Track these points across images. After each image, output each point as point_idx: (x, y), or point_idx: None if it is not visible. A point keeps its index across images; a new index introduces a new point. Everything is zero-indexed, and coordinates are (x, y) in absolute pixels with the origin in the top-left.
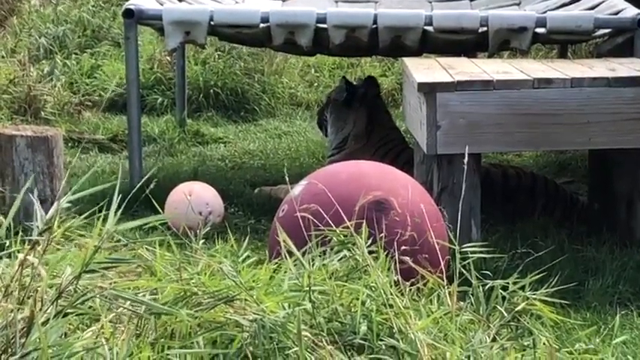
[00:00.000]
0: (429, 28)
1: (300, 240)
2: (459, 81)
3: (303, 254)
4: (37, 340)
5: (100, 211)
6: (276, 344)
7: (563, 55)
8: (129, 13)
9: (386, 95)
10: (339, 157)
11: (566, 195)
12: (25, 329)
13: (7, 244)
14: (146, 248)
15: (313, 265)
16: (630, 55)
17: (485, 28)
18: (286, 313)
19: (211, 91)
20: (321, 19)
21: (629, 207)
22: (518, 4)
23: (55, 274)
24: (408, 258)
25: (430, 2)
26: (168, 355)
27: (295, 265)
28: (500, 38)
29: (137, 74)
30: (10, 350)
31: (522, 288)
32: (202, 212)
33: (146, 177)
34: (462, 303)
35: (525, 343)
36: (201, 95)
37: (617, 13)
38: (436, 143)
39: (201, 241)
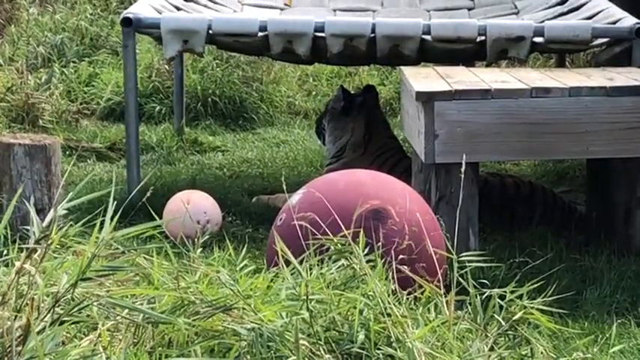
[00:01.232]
0: (427, 37)
1: (298, 249)
2: (456, 90)
3: (301, 263)
4: (34, 349)
5: (97, 219)
6: (274, 353)
7: (561, 64)
8: (127, 22)
9: (384, 104)
10: (336, 166)
11: (564, 204)
12: (21, 337)
13: (5, 251)
14: (144, 256)
15: (311, 273)
16: (628, 64)
17: (483, 38)
18: (284, 322)
19: (209, 99)
20: (320, 28)
21: (627, 216)
22: (517, 14)
23: (51, 281)
24: (405, 267)
25: (428, 11)
26: None
27: (293, 274)
28: (498, 47)
29: (135, 82)
30: (6, 359)
31: (520, 297)
32: (200, 221)
33: (141, 184)
34: (459, 312)
35: (523, 352)
36: (199, 104)
37: (615, 23)
38: (434, 152)
39: (199, 249)
